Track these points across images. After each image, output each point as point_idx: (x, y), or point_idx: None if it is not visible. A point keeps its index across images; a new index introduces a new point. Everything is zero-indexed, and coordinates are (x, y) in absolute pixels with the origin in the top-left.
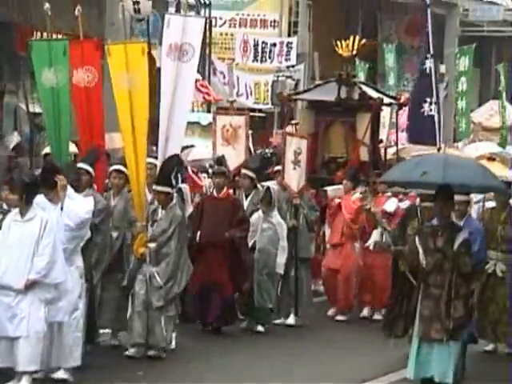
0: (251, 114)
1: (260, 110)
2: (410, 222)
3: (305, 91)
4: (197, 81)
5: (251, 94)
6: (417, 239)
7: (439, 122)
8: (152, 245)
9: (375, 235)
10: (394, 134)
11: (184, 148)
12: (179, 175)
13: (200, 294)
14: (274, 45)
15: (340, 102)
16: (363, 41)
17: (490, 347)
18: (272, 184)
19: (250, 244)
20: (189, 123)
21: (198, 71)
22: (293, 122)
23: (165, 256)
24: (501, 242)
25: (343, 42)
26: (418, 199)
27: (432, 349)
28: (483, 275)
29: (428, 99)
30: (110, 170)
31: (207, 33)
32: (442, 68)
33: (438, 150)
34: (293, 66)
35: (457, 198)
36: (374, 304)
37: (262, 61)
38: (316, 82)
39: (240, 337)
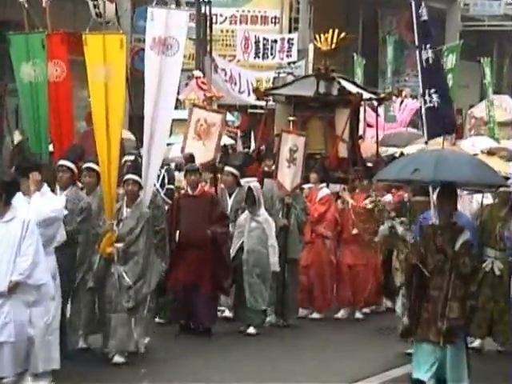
0: (253, 110)
1: (262, 107)
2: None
3: (282, 86)
4: (198, 78)
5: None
6: (418, 239)
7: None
8: (119, 245)
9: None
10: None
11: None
12: (164, 172)
13: (182, 295)
14: (275, 41)
15: (318, 98)
16: (342, 34)
17: (476, 344)
18: (254, 182)
19: (237, 244)
20: (178, 120)
21: (199, 68)
22: (290, 118)
23: (133, 255)
24: (499, 239)
25: (322, 35)
26: (406, 194)
27: (433, 351)
28: (481, 272)
29: (427, 90)
30: (82, 167)
31: (208, 30)
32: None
33: (426, 143)
34: (294, 63)
35: None
36: (354, 303)
37: (263, 57)
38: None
39: (236, 337)
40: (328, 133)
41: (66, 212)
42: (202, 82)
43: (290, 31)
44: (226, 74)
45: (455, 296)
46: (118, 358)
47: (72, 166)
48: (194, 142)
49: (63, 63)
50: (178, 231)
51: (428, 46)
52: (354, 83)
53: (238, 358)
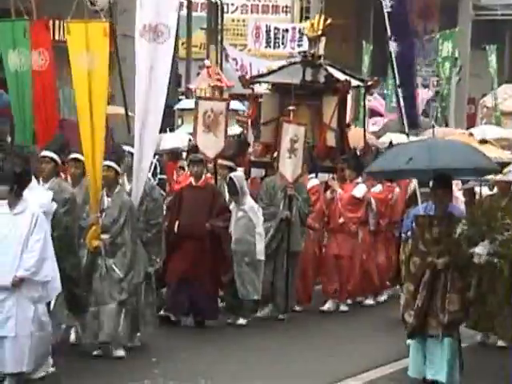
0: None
1: None
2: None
3: (268, 73)
4: (208, 67)
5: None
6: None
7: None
8: (105, 236)
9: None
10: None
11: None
12: (155, 162)
13: (179, 287)
14: (286, 30)
15: (305, 85)
16: (329, 20)
17: (479, 337)
18: (239, 171)
19: None
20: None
21: (210, 58)
22: (290, 107)
23: (120, 246)
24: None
25: (309, 21)
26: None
27: (427, 346)
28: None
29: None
30: (68, 158)
31: (219, 19)
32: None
33: (407, 134)
34: (305, 52)
35: None
36: (340, 295)
37: (274, 47)
38: None
39: (227, 330)
40: (315, 121)
41: (55, 205)
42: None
43: (301, 20)
44: (237, 64)
45: (454, 288)
46: (118, 352)
47: (55, 156)
48: (205, 135)
49: (47, 52)
50: (177, 222)
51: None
52: (342, 70)
53: (230, 352)
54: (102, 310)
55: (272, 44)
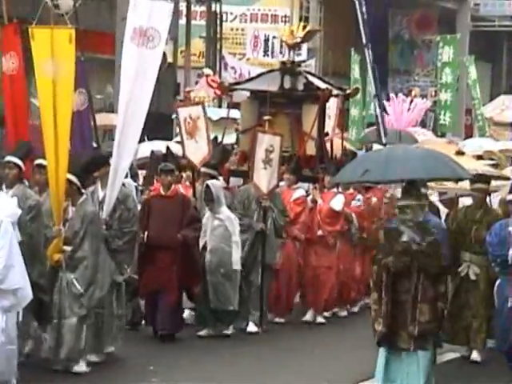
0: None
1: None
2: None
3: (247, 80)
4: (207, 76)
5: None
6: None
7: (382, 117)
8: (67, 248)
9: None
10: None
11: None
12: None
13: (149, 299)
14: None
15: (284, 93)
16: (308, 27)
17: (463, 352)
18: (216, 180)
19: (201, 244)
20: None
21: (209, 66)
22: (265, 117)
23: (81, 260)
24: (474, 243)
25: (289, 27)
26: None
27: (401, 360)
28: (456, 277)
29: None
30: (33, 165)
31: (218, 28)
32: (473, 67)
33: (385, 145)
34: (303, 61)
35: None
36: (315, 306)
37: (272, 56)
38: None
39: (207, 343)
40: (295, 130)
41: (19, 212)
42: (212, 80)
43: None
44: (235, 72)
45: (425, 298)
46: (79, 367)
47: (19, 162)
48: (189, 142)
49: (17, 56)
50: (146, 232)
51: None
52: (321, 78)
53: (208, 365)
54: (63, 323)
55: (270, 53)
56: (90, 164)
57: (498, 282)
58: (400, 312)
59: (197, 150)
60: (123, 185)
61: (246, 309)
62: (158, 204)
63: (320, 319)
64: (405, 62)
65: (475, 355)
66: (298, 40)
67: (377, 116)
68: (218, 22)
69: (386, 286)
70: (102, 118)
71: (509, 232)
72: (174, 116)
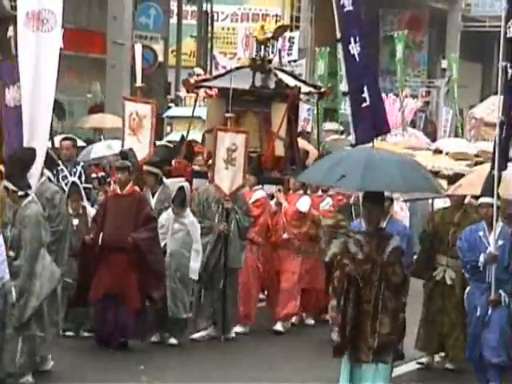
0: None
1: None
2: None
3: (214, 78)
4: (198, 75)
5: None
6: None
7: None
8: (11, 253)
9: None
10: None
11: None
12: (80, 169)
13: (103, 306)
14: (276, 39)
15: (253, 91)
16: (280, 23)
17: (424, 359)
18: (183, 182)
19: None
20: (190, 117)
21: (200, 66)
22: (227, 115)
23: (19, 268)
24: (451, 246)
25: (260, 23)
26: (353, 196)
27: (361, 371)
28: (430, 281)
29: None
30: None
31: (209, 27)
32: (444, 63)
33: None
34: (294, 61)
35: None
36: (277, 313)
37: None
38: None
39: (159, 350)
40: (263, 129)
41: None
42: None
43: (291, 30)
44: None
45: (386, 309)
46: (25, 379)
47: None
48: (130, 138)
49: None
50: (101, 233)
51: (355, 39)
52: (293, 76)
53: (134, 380)
54: (1, 334)
55: (261, 53)
56: (21, 164)
57: (467, 290)
58: (361, 323)
59: (137, 149)
60: (50, 180)
61: (204, 316)
62: (114, 203)
63: (278, 327)
64: (395, 62)
65: (449, 364)
66: (269, 36)
67: (348, 115)
68: (209, 21)
69: (347, 294)
70: (95, 119)
71: (479, 237)
72: (165, 115)
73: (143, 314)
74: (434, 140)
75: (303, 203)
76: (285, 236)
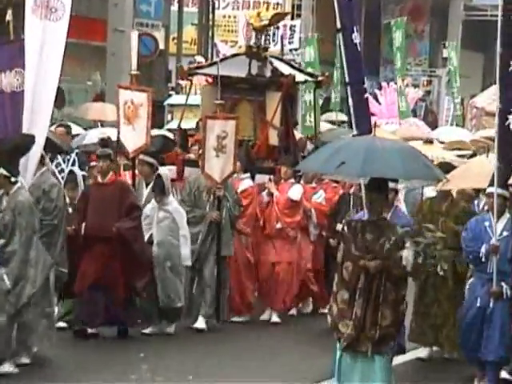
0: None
1: None
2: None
3: (209, 65)
4: (199, 63)
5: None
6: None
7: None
8: (1, 241)
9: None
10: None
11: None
12: (74, 157)
13: (91, 296)
14: (278, 28)
15: (248, 79)
16: (276, 10)
17: (424, 354)
18: (166, 169)
19: (146, 237)
20: (190, 105)
21: (201, 54)
22: (217, 102)
23: (12, 254)
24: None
25: (256, 10)
26: (353, 186)
27: (356, 363)
28: (422, 274)
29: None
30: None
31: (210, 15)
32: (445, 52)
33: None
34: (296, 49)
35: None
36: (274, 305)
37: (264, 44)
38: None
39: (149, 339)
40: (258, 118)
41: None
42: None
43: (292, 18)
44: None
45: (387, 301)
46: (6, 367)
47: None
48: (126, 128)
49: None
50: (84, 223)
51: (357, 28)
52: (290, 64)
53: (135, 368)
54: None
55: (262, 41)
56: (17, 150)
57: (470, 281)
58: (360, 314)
59: (133, 138)
60: (53, 174)
61: (197, 305)
62: (96, 192)
63: (275, 318)
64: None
65: (447, 354)
66: (266, 23)
67: (349, 105)
68: (211, 9)
69: (362, 289)
70: (96, 110)
71: (484, 227)
72: (165, 102)
73: (130, 303)
74: (434, 129)
75: (295, 192)
76: (278, 226)
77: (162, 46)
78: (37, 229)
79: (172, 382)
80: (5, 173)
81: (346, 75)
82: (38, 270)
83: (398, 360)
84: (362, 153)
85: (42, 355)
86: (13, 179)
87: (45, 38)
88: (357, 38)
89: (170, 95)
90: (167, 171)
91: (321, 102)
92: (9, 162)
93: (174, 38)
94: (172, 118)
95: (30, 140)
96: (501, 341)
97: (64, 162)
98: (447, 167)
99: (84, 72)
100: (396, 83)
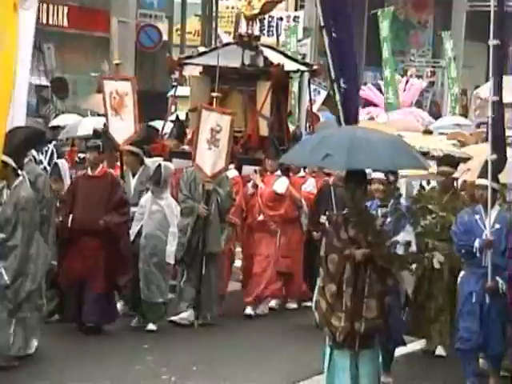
0: None
1: None
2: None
3: (199, 55)
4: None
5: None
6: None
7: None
8: (1, 235)
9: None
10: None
11: None
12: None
13: (73, 290)
14: (281, 19)
15: (239, 69)
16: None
17: (426, 346)
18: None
19: (137, 228)
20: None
21: (204, 45)
22: (214, 94)
23: (12, 249)
24: (440, 229)
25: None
26: (332, 177)
27: (344, 357)
28: (419, 266)
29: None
30: None
31: (213, 6)
32: (449, 44)
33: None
34: (299, 41)
35: (379, 175)
36: (257, 297)
37: (268, 35)
38: None
39: (136, 335)
40: (249, 108)
41: None
42: None
43: (296, 9)
44: None
45: (372, 293)
46: (9, 362)
47: None
48: (114, 119)
49: None
50: (71, 216)
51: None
52: (283, 53)
53: (139, 359)
54: None
55: (266, 32)
56: (27, 143)
57: (461, 274)
58: (346, 307)
59: (122, 129)
60: (35, 160)
61: (184, 299)
62: (85, 185)
63: (249, 311)
64: (400, 42)
65: (440, 350)
66: (257, 11)
67: (337, 102)
68: (214, 0)
69: (349, 279)
70: (98, 101)
71: (475, 220)
72: (169, 94)
73: (112, 297)
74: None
75: (280, 185)
76: (260, 218)
77: (165, 37)
78: (37, 225)
79: (176, 373)
80: (13, 164)
81: (332, 73)
82: (39, 265)
83: (401, 351)
84: (346, 144)
85: (42, 348)
86: (20, 172)
87: (18, 27)
88: (338, 33)
89: (173, 86)
90: (169, 163)
91: (325, 93)
92: (17, 154)
93: (177, 29)
94: (176, 110)
95: (41, 134)
96: (501, 336)
97: (42, 153)
98: (449, 159)
99: (87, 63)
100: (402, 75)
